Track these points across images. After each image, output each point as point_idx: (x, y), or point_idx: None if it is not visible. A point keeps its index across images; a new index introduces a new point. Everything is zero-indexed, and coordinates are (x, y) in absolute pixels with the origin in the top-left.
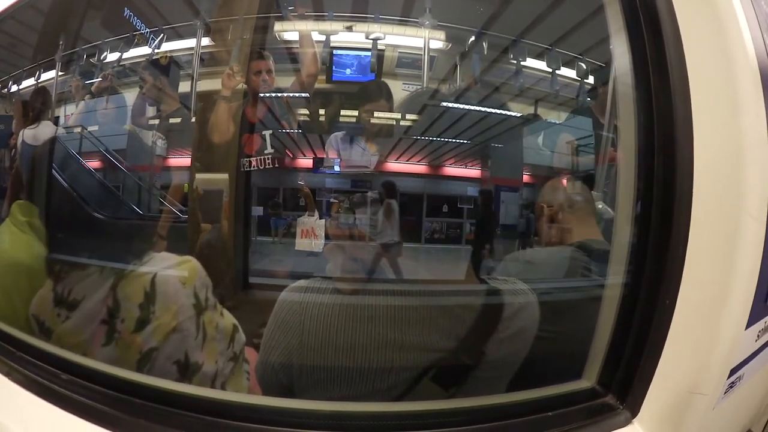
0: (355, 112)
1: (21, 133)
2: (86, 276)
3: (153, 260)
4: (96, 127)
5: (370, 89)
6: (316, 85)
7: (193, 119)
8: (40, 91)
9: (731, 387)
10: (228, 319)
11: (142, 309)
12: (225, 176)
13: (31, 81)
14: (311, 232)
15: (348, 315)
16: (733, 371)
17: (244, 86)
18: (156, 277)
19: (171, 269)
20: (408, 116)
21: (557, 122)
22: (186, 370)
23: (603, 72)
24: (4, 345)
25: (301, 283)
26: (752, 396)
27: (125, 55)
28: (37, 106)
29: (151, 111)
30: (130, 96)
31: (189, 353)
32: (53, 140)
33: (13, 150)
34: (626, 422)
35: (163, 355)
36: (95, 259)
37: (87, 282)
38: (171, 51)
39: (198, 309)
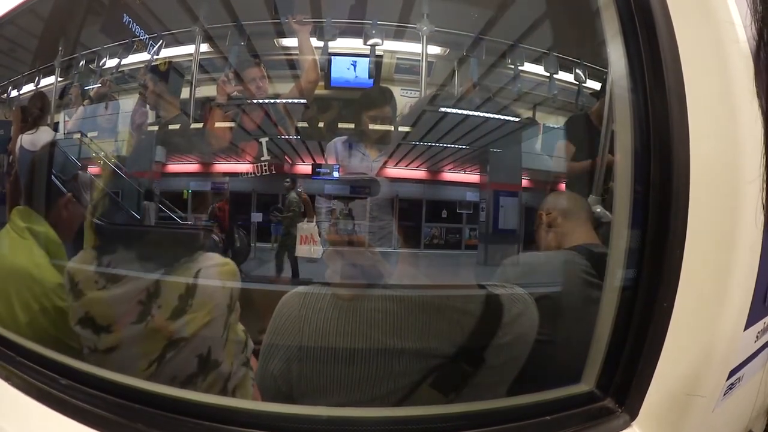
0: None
1: (19, 138)
2: (133, 259)
3: (200, 257)
4: (95, 133)
5: (372, 95)
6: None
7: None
8: (39, 96)
9: (731, 388)
10: (240, 325)
11: (181, 300)
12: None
13: (30, 86)
14: (311, 238)
15: (347, 321)
16: (732, 373)
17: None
18: (200, 273)
19: (215, 268)
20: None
21: (555, 126)
22: (205, 365)
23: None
24: (3, 350)
25: (300, 289)
26: (752, 397)
27: (124, 61)
28: (36, 112)
29: (150, 117)
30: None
31: (212, 349)
32: (52, 146)
33: (11, 155)
34: (625, 425)
35: (190, 347)
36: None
37: (134, 264)
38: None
39: (229, 310)
